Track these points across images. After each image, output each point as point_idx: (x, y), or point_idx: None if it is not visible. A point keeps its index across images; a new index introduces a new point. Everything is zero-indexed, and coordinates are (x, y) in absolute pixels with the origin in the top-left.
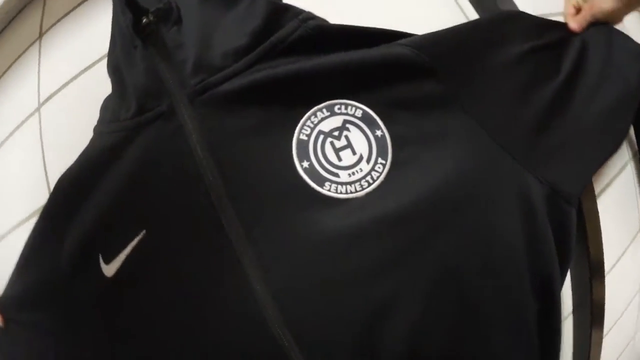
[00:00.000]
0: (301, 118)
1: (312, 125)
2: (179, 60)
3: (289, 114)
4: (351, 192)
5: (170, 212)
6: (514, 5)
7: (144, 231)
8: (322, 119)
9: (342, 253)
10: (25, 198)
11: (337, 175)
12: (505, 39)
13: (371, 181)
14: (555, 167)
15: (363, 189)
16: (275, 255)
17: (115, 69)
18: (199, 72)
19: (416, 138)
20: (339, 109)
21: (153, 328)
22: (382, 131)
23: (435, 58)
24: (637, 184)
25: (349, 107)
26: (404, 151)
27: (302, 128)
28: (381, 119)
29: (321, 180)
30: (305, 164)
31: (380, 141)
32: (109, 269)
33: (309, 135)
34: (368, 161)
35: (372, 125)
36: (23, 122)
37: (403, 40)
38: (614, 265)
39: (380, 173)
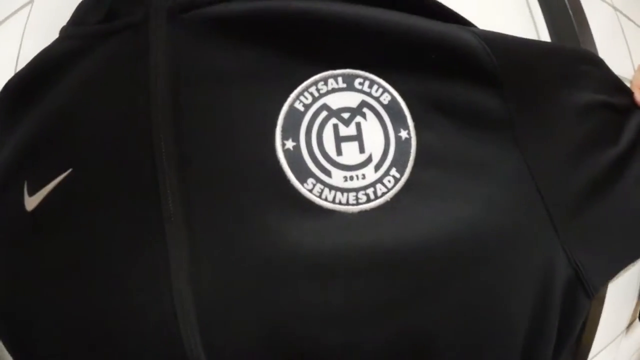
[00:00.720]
0: (304, 80)
1: (316, 94)
2: None
3: (290, 68)
4: (340, 203)
5: (104, 156)
6: (594, 43)
7: (71, 169)
8: (333, 90)
9: (298, 283)
10: None
11: (328, 173)
12: (581, 81)
13: (373, 197)
14: (589, 250)
15: (358, 203)
16: (211, 255)
17: None
18: None
19: (448, 157)
20: (360, 84)
21: (57, 283)
22: (408, 134)
23: (506, 67)
24: None
25: (375, 87)
26: (429, 170)
27: (301, 93)
28: (412, 117)
29: (304, 174)
30: (290, 144)
31: (402, 147)
32: (30, 202)
33: (307, 107)
34: (377, 168)
35: (399, 121)
36: (16, 12)
37: (475, 29)
38: (593, 357)
39: (389, 190)
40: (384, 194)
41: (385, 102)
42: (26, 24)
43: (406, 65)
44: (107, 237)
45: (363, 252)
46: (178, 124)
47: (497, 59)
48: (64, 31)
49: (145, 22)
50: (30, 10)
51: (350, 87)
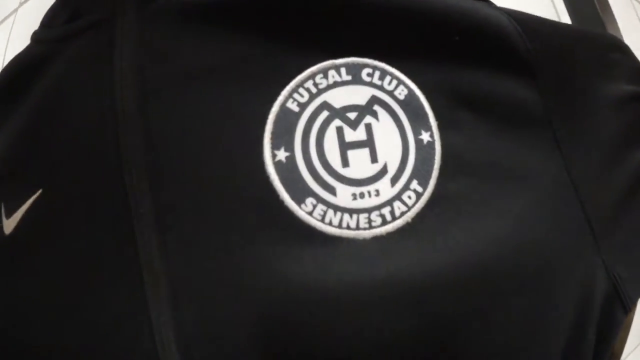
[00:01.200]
0: (299, 73)
1: (313, 90)
2: None
3: (281, 59)
4: (349, 228)
5: (72, 175)
6: (619, 29)
7: (41, 190)
8: (335, 85)
9: (298, 324)
10: None
11: (332, 190)
12: (614, 71)
13: (389, 218)
14: (628, 261)
15: (371, 227)
16: (193, 290)
17: None
18: None
19: (479, 164)
20: (369, 75)
21: (33, 316)
22: (431, 136)
23: (541, 53)
24: None
25: (387, 79)
26: (457, 181)
27: (295, 90)
28: (435, 115)
29: (301, 192)
30: (282, 154)
31: (424, 153)
32: (8, 225)
33: (302, 106)
34: (394, 181)
35: (419, 120)
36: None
37: (504, 8)
38: None
39: (409, 208)
40: (403, 213)
41: (401, 97)
42: (10, 32)
43: (424, 50)
44: (78, 267)
45: (376, 285)
46: (147, 134)
47: (531, 42)
48: (34, 36)
49: (111, 16)
50: (14, 20)
51: (356, 80)
